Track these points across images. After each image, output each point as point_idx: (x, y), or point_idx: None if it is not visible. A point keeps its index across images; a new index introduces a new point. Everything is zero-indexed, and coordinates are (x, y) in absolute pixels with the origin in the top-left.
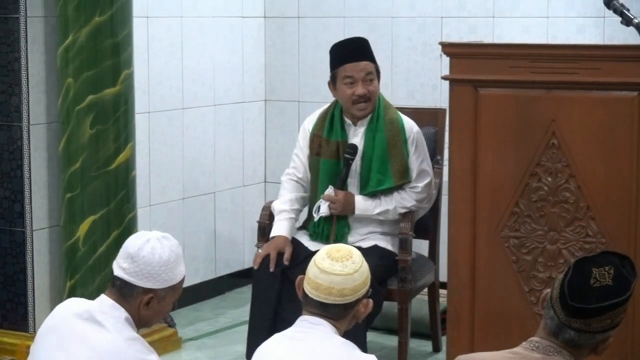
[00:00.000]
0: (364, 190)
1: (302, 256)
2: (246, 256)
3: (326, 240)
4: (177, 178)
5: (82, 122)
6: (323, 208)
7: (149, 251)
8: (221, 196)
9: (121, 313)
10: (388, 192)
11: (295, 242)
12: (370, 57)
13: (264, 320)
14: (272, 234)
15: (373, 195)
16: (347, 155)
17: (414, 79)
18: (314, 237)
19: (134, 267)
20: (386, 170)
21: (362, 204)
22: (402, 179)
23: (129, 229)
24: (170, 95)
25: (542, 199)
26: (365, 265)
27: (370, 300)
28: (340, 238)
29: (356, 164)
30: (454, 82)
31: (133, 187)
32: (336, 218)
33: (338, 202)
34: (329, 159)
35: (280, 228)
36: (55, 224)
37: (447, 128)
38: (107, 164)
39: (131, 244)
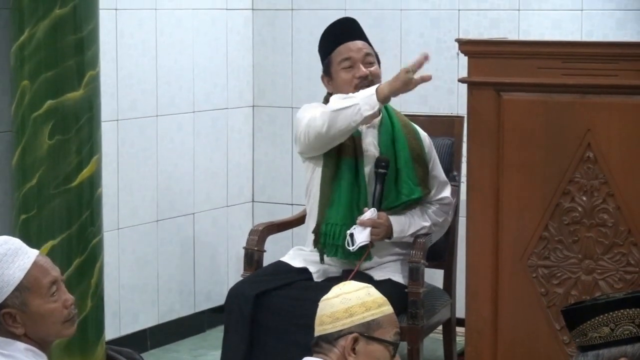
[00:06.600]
0: (393, 202)
1: (283, 279)
2: (230, 288)
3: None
4: (150, 197)
5: (39, 132)
6: (361, 236)
7: None
8: (201, 218)
9: (16, 346)
10: (412, 207)
11: (275, 263)
12: (365, 38)
13: (235, 353)
14: (373, 90)
15: (401, 212)
16: (380, 170)
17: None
18: (332, 253)
19: None
20: (414, 177)
21: (398, 225)
22: (426, 189)
23: (94, 255)
24: (142, 101)
25: (575, 222)
26: (356, 296)
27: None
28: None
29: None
30: (473, 85)
31: (98, 207)
32: (371, 245)
33: (382, 226)
34: (349, 157)
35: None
36: None
37: (465, 139)
38: (68, 181)
39: None
